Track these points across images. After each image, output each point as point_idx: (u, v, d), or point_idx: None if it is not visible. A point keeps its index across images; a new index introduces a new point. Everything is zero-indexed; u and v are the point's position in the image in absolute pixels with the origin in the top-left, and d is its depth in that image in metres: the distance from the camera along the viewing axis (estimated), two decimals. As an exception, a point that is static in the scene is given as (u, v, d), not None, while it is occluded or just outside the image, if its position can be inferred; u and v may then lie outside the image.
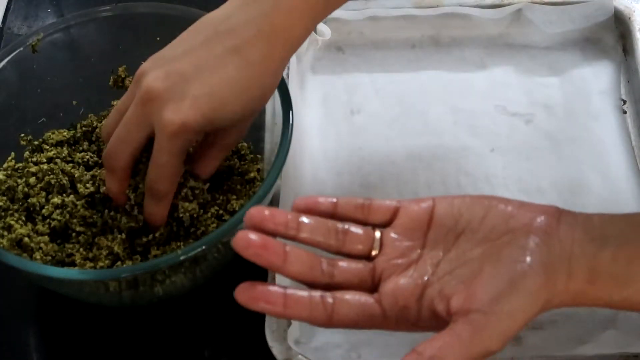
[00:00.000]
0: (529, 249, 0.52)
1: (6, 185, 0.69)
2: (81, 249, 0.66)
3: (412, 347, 0.66)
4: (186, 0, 0.73)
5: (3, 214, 0.68)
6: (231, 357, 0.67)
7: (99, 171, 0.69)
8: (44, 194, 0.68)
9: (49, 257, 0.65)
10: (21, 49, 0.70)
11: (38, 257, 0.65)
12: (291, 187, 0.73)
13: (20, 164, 0.71)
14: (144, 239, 0.66)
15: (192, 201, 0.67)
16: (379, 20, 0.85)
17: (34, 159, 0.71)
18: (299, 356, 0.63)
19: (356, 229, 0.55)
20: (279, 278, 0.67)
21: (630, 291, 0.53)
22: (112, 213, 0.67)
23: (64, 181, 0.69)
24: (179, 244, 0.66)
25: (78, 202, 0.68)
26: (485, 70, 0.83)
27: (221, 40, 0.60)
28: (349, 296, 0.52)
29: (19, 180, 0.69)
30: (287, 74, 0.79)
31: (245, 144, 0.73)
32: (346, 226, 0.55)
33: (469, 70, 0.83)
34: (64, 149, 0.72)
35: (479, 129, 0.79)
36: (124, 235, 0.66)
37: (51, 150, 0.72)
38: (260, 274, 0.68)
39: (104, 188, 0.65)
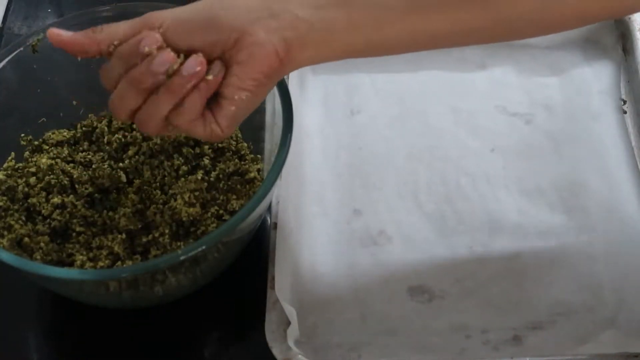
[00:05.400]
0: None
1: (6, 185, 0.69)
2: (81, 249, 0.66)
3: (413, 349, 0.66)
4: (186, 1, 0.73)
5: (3, 214, 0.68)
6: (231, 357, 0.67)
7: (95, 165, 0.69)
8: (44, 194, 0.68)
9: (49, 257, 0.65)
10: (21, 49, 0.70)
11: (38, 257, 0.65)
12: (291, 187, 0.73)
13: (20, 164, 0.71)
14: (144, 239, 0.66)
15: (194, 205, 0.67)
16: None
17: (34, 159, 0.71)
18: (299, 356, 0.63)
19: None
20: (278, 278, 0.67)
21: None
22: (110, 213, 0.67)
23: (64, 181, 0.69)
24: (179, 244, 0.66)
25: (78, 202, 0.68)
26: (485, 70, 0.83)
27: None
28: None
29: (19, 180, 0.69)
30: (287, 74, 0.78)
31: (245, 144, 0.73)
32: None
33: (469, 70, 0.83)
34: (64, 149, 0.72)
35: (479, 129, 0.79)
36: (124, 235, 0.66)
37: (51, 150, 0.72)
38: (260, 274, 0.68)
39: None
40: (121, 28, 0.58)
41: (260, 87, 0.57)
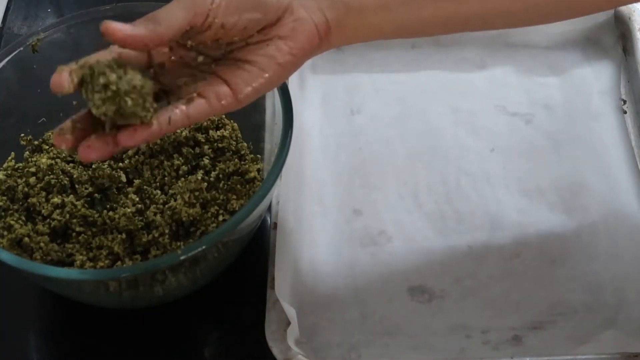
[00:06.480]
0: None
1: (6, 185, 0.69)
2: (81, 249, 0.66)
3: (413, 349, 0.66)
4: None
5: (3, 214, 0.68)
6: (231, 357, 0.67)
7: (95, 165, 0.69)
8: (44, 194, 0.68)
9: (49, 257, 0.65)
10: (21, 49, 0.70)
11: (38, 257, 0.65)
12: (291, 187, 0.73)
13: (20, 164, 0.71)
14: (144, 239, 0.66)
15: (194, 205, 0.67)
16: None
17: (34, 159, 0.71)
18: (299, 356, 0.63)
19: None
20: (278, 278, 0.67)
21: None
22: (110, 213, 0.67)
23: (64, 181, 0.69)
24: (179, 244, 0.66)
25: (78, 202, 0.68)
26: (485, 70, 0.83)
27: None
28: None
29: (19, 180, 0.69)
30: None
31: (245, 144, 0.73)
32: None
33: (469, 70, 0.83)
34: (64, 149, 0.72)
35: (479, 129, 0.79)
36: (124, 235, 0.66)
37: (51, 150, 0.72)
38: (260, 274, 0.68)
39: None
40: (179, 17, 0.55)
41: (292, 64, 0.57)
